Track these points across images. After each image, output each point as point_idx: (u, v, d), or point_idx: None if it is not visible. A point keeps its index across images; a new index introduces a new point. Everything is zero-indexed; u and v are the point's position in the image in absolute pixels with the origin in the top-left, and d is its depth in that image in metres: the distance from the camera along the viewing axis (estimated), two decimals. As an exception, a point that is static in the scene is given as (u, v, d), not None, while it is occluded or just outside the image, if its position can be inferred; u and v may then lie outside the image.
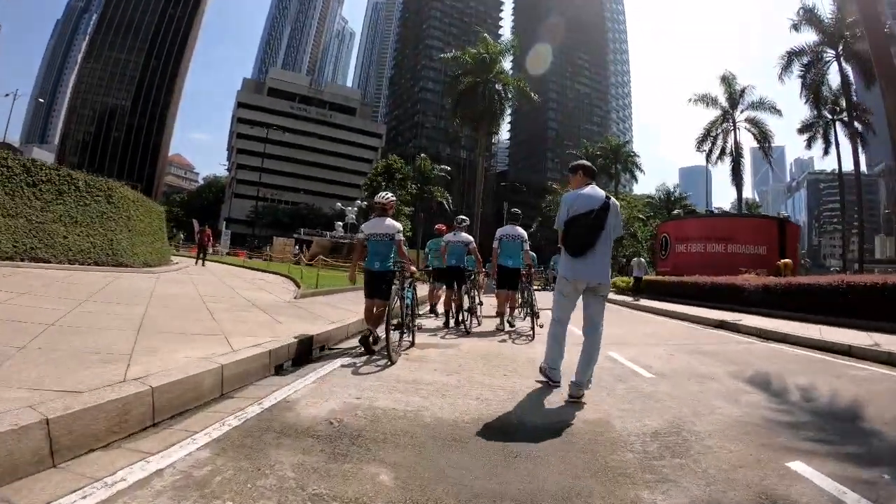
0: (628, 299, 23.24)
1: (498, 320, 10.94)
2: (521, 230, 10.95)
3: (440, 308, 12.49)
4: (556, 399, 5.15)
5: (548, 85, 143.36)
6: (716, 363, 7.68)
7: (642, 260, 25.70)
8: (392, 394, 4.89)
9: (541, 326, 10.05)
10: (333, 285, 17.05)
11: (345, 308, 11.46)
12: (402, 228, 7.79)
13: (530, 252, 11.61)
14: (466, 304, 10.60)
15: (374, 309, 7.34)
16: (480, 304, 12.32)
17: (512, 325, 10.88)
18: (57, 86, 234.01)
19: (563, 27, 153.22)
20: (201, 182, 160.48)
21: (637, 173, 74.49)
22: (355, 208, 57.91)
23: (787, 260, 23.53)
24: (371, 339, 7.18)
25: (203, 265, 26.28)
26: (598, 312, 5.43)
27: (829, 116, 47.22)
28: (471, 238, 11.43)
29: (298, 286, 15.89)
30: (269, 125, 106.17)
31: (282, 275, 22.61)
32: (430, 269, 13.14)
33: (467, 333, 9.90)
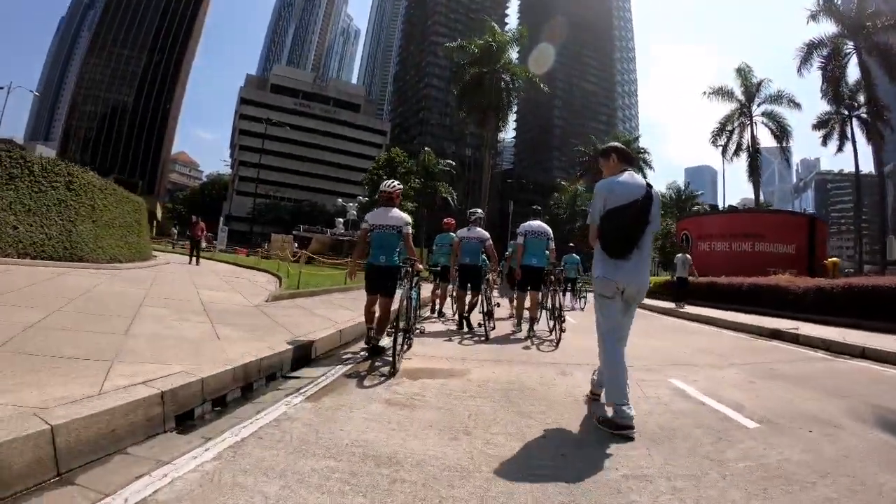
0: (661, 304, 20.58)
1: (511, 323, 10.53)
2: (546, 226, 10.26)
3: (447, 310, 12.17)
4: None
5: (554, 83, 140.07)
6: (815, 395, 5.73)
7: (688, 257, 20.60)
8: (344, 496, 2.64)
9: (563, 331, 9.02)
10: (321, 285, 14.98)
11: (323, 315, 9.37)
12: (410, 221, 7.22)
13: (554, 248, 10.45)
14: (484, 306, 9.77)
15: (379, 308, 6.85)
16: (497, 305, 11.24)
17: (532, 331, 9.70)
18: (61, 83, 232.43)
19: (569, 25, 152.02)
20: (206, 180, 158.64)
21: (647, 171, 72.91)
22: (356, 204, 55.56)
23: (835, 259, 21.45)
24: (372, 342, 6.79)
25: (196, 263, 23.60)
26: (629, 321, 4.67)
27: (846, 112, 45.17)
28: (487, 234, 10.58)
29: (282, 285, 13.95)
30: (273, 122, 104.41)
31: (270, 273, 20.54)
32: (438, 267, 12.22)
33: (486, 339, 8.95)
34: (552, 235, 10.20)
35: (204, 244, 28.42)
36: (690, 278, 19.52)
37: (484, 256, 10.51)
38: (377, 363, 6.17)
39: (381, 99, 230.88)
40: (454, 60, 51.29)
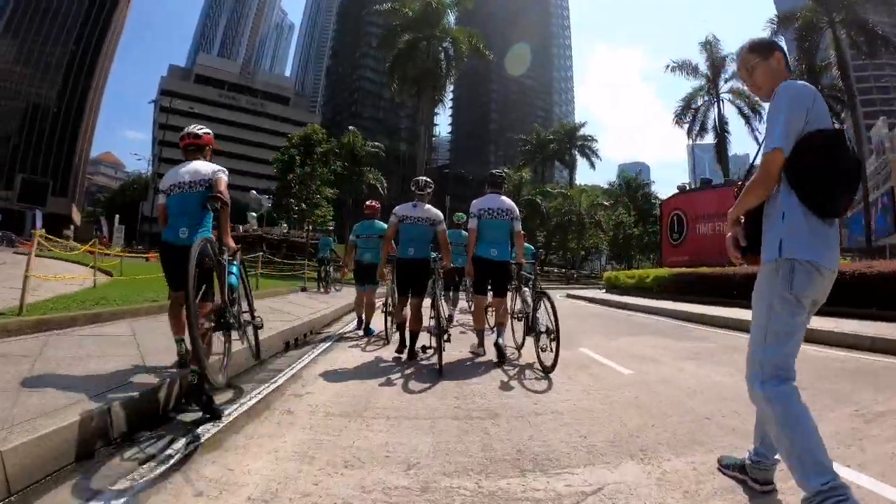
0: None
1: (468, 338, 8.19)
2: (509, 202, 7.30)
3: (375, 324, 9.55)
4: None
5: (490, 76, 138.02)
6: None
7: None
8: None
9: (546, 350, 6.18)
10: (127, 301, 9.34)
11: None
12: (216, 170, 4.90)
13: (522, 233, 7.35)
14: (426, 320, 6.85)
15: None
16: (450, 318, 9.06)
17: (502, 353, 6.77)
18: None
19: (507, 18, 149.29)
20: (127, 180, 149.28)
21: (594, 160, 69.75)
22: (273, 197, 48.55)
23: None
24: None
25: None
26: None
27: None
28: (440, 215, 7.36)
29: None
30: (196, 115, 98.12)
31: (103, 272, 14.50)
32: (364, 263, 9.49)
33: (439, 374, 5.93)
34: (518, 214, 7.22)
35: None
36: (694, 270, 13.84)
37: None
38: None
39: (314, 94, 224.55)
40: (388, 18, 46.50)
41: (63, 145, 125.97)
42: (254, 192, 60.47)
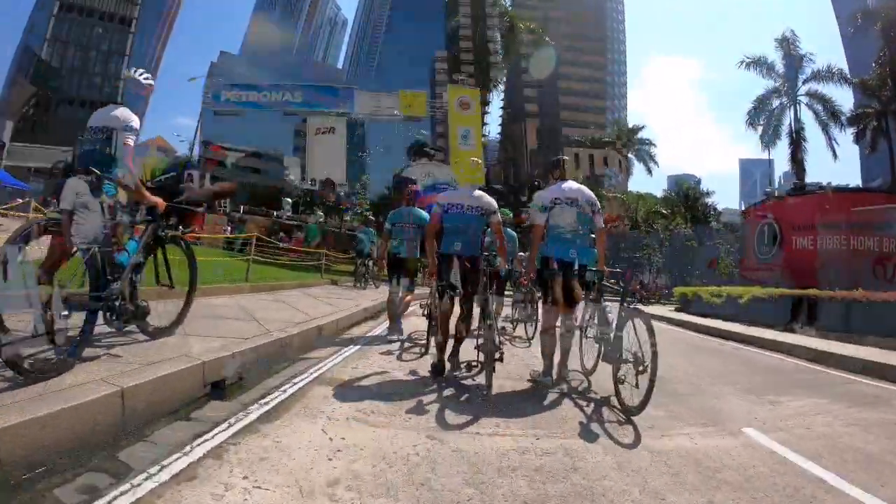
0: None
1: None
2: (588, 191, 5.83)
3: (406, 329, 8.38)
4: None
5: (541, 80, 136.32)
6: None
7: None
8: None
9: (625, 383, 4.81)
10: None
11: None
12: (126, 124, 4.42)
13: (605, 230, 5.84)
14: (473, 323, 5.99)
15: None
16: (503, 330, 7.33)
17: (564, 378, 5.72)
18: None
19: (560, 20, 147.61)
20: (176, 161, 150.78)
21: (651, 165, 67.04)
22: (316, 180, 45.29)
23: None
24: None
25: None
26: None
27: (878, 106, 39.75)
28: (494, 203, 6.02)
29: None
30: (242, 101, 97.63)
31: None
32: (398, 257, 8.02)
33: (484, 398, 4.99)
34: (599, 207, 5.71)
35: None
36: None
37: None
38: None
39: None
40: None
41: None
42: (291, 175, 57.79)
